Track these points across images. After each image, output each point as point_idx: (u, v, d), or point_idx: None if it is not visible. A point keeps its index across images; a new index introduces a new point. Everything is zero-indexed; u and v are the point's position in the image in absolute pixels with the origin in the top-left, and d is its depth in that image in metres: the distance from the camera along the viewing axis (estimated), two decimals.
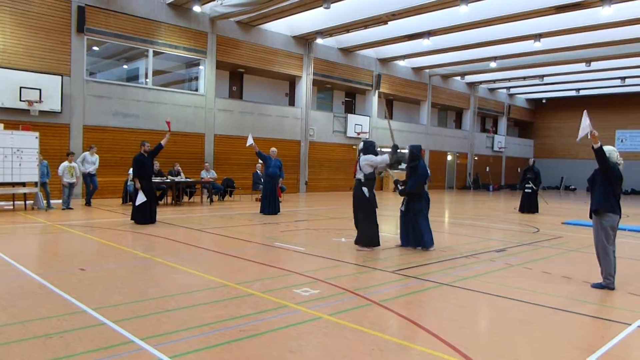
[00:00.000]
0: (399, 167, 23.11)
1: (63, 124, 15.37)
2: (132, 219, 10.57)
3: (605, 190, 5.99)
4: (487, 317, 5.00)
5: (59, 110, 15.02)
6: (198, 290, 5.46)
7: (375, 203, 8.36)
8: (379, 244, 8.34)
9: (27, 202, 12.94)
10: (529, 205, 15.98)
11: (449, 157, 31.59)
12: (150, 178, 11.01)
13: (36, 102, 14.35)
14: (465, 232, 11.23)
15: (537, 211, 15.91)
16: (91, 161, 14.07)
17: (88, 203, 14.07)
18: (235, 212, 13.95)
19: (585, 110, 6.20)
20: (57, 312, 4.48)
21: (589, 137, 5.83)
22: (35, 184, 12.68)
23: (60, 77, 14.95)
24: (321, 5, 16.34)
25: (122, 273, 6.21)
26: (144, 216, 10.47)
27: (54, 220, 10.91)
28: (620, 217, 6.06)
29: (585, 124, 5.90)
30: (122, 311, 4.57)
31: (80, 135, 15.70)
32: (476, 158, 33.36)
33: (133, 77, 18.95)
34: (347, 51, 23.70)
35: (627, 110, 33.99)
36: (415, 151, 8.55)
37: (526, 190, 16.06)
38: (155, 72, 18.29)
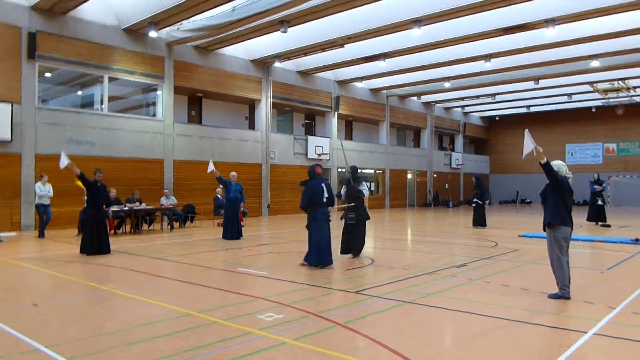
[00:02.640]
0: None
1: (14, 153, 14.80)
2: (80, 251, 10.21)
3: (557, 203, 6.23)
4: (449, 332, 5.07)
5: (9, 139, 14.47)
6: (159, 321, 5.30)
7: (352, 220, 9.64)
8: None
9: None
10: (477, 218, 16.61)
11: (409, 176, 32.13)
12: (99, 207, 10.67)
13: None
14: (426, 249, 11.39)
15: (485, 224, 16.48)
16: (45, 191, 13.58)
17: (42, 234, 13.52)
18: (196, 238, 13.70)
19: (526, 129, 6.45)
20: (6, 352, 4.25)
21: (534, 154, 6.07)
22: None
23: (10, 104, 14.44)
24: (278, 30, 16.52)
25: (77, 307, 5.98)
26: (90, 245, 10.10)
27: (4, 254, 10.42)
28: (572, 229, 6.29)
29: (528, 141, 6.14)
30: (78, 347, 4.39)
31: (32, 165, 15.15)
32: (435, 176, 34.06)
33: (88, 104, 18.50)
34: (305, 74, 23.95)
35: (575, 125, 35.54)
36: (310, 170, 9.06)
37: (473, 205, 16.79)
38: (111, 98, 17.92)
